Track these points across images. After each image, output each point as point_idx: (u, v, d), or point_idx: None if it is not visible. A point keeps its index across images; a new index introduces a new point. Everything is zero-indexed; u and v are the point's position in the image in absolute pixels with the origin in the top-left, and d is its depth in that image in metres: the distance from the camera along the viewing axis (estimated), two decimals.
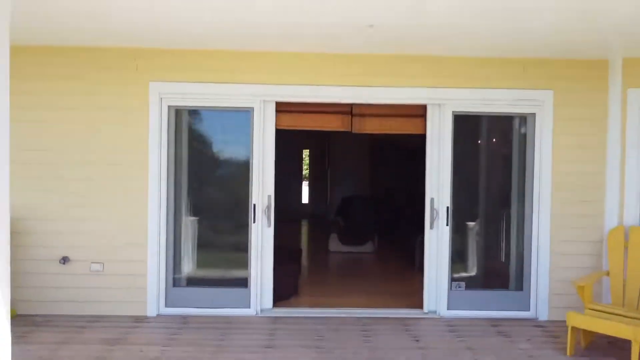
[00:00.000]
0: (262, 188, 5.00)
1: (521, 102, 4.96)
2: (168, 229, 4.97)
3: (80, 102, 4.84)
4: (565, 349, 4.20)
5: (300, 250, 7.26)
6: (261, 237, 5.01)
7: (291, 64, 4.90)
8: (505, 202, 5.21)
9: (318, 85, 4.92)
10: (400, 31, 4.17)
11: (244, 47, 4.77)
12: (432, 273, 5.09)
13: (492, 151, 5.32)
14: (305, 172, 16.25)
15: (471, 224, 5.21)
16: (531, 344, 4.37)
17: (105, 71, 4.84)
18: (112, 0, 3.54)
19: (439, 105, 5.00)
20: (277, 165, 5.08)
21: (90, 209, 4.87)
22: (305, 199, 14.78)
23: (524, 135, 5.08)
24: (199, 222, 5.17)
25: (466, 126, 5.09)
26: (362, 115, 5.21)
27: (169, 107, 4.92)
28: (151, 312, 4.91)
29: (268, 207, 5.01)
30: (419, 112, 5.14)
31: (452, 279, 5.07)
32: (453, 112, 4.98)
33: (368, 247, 8.76)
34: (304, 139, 13.26)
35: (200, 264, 5.19)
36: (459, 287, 5.09)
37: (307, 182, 14.90)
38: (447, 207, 5.01)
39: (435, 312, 5.07)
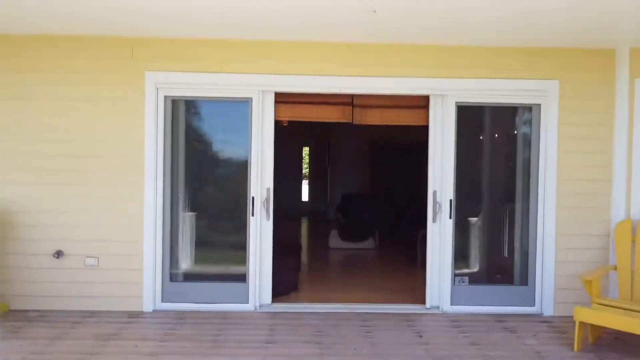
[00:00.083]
0: (261, 181, 4.88)
1: (526, 92, 4.84)
2: (164, 222, 4.86)
3: (73, 93, 4.72)
4: (572, 344, 4.09)
5: (300, 246, 7.14)
6: (260, 230, 4.90)
7: (291, 53, 4.78)
8: (510, 195, 5.09)
9: (318, 75, 4.80)
10: (404, 18, 4.05)
11: (242, 36, 4.65)
12: (434, 267, 4.97)
13: (496, 143, 5.20)
14: (305, 170, 16.14)
15: (473, 219, 5.08)
16: (537, 339, 4.25)
17: (100, 60, 4.72)
18: None
19: (442, 95, 4.88)
20: (277, 163, 4.96)
21: (84, 202, 4.76)
22: (305, 197, 14.67)
23: (529, 127, 4.96)
24: (196, 216, 5.05)
25: (469, 118, 4.97)
26: (363, 107, 5.09)
27: (166, 97, 4.81)
28: (147, 307, 4.80)
29: (267, 200, 4.90)
30: (421, 103, 5.02)
31: (455, 274, 4.96)
32: (456, 102, 4.87)
33: (369, 244, 8.65)
34: (303, 137, 13.18)
35: (197, 258, 5.07)
36: (463, 282, 4.97)
37: (307, 180, 14.78)
38: (450, 200, 4.89)
39: (438, 307, 4.96)
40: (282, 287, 5.30)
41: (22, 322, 4.44)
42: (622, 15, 3.95)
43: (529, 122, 4.97)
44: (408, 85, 4.84)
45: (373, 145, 12.20)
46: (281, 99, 4.96)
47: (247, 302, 4.88)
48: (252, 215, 4.87)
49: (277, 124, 5.01)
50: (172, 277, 4.93)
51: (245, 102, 4.86)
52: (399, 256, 8.01)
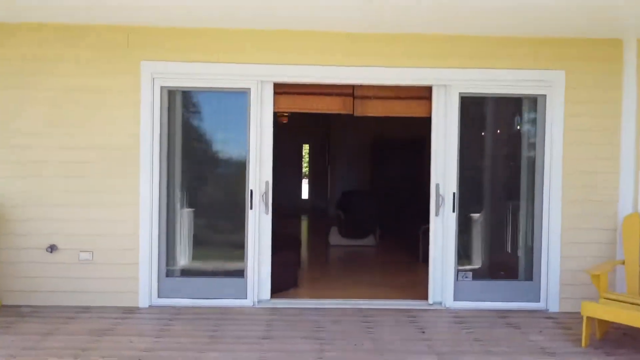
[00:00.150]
0: (260, 174, 4.77)
1: (531, 82, 4.73)
2: (160, 216, 4.74)
3: (67, 83, 4.61)
4: (579, 340, 3.97)
5: (299, 243, 7.03)
6: (258, 224, 4.78)
7: (290, 43, 4.67)
8: (514, 188, 4.97)
9: (318, 65, 4.69)
10: (404, 6, 3.94)
11: (241, 25, 4.54)
12: (437, 262, 4.85)
13: (500, 135, 5.08)
14: (305, 169, 16.03)
15: (476, 215, 4.96)
16: (543, 335, 4.13)
17: (94, 50, 4.61)
18: None
19: (445, 86, 4.77)
20: (277, 161, 4.85)
21: (78, 195, 4.64)
22: (305, 195, 14.56)
23: (534, 118, 4.84)
24: (194, 209, 4.94)
25: (473, 109, 4.86)
26: (365, 98, 4.98)
27: (162, 87, 4.69)
28: (143, 303, 4.68)
29: (266, 193, 4.78)
30: (424, 94, 4.91)
31: (459, 269, 4.84)
32: (459, 93, 4.75)
33: (369, 240, 8.54)
34: (303, 134, 13.08)
35: (194, 252, 4.96)
36: (466, 277, 4.86)
37: (307, 179, 14.68)
38: (454, 193, 4.78)
39: (440, 303, 4.84)
40: (281, 284, 5.19)
41: (14, 317, 4.33)
42: (630, 4, 3.83)
43: (533, 114, 4.85)
44: (410, 75, 4.72)
45: (373, 142, 12.08)
46: (280, 89, 4.85)
47: (245, 297, 4.77)
48: (251, 208, 4.75)
49: (277, 120, 4.90)
50: (169, 272, 4.81)
51: (244, 93, 4.75)
52: (400, 253, 7.90)
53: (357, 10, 4.04)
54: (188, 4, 4.02)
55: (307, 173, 15.50)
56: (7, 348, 3.67)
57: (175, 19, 4.40)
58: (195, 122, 4.94)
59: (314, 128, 12.65)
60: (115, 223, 4.67)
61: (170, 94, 4.75)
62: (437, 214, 4.83)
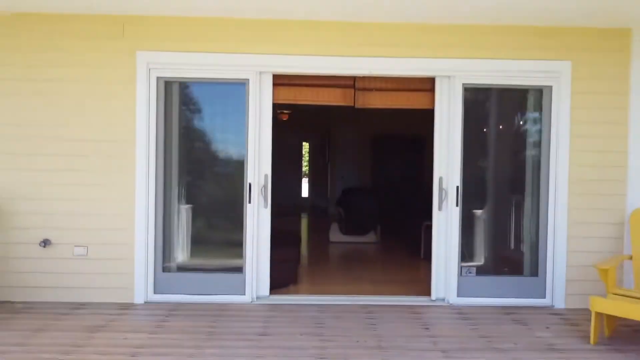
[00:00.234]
0: (258, 166, 4.65)
1: (536, 73, 4.61)
2: (157, 210, 4.62)
3: (60, 74, 4.49)
4: (587, 337, 3.86)
5: (299, 239, 6.91)
6: (257, 218, 4.67)
7: (289, 32, 4.55)
8: (519, 182, 4.84)
9: (318, 55, 4.57)
10: None
11: (239, 14, 4.43)
12: (440, 258, 4.74)
13: (505, 127, 4.96)
14: (305, 168, 15.91)
15: (479, 211, 4.84)
16: (551, 332, 4.01)
17: (88, 40, 4.49)
18: None
19: (449, 77, 4.65)
20: (277, 159, 4.72)
21: (72, 188, 4.53)
22: (305, 193, 14.44)
23: (539, 110, 4.73)
24: (191, 203, 4.82)
25: (477, 101, 4.74)
26: (366, 89, 4.86)
27: (158, 78, 4.58)
28: (138, 299, 4.56)
29: (264, 187, 4.66)
30: (426, 85, 4.79)
31: (462, 265, 4.72)
32: (463, 84, 4.63)
33: (370, 237, 8.42)
34: (303, 132, 12.95)
35: (191, 247, 4.84)
36: (470, 272, 4.74)
37: (307, 178, 14.56)
38: (457, 187, 4.66)
39: (443, 299, 4.72)
40: (280, 280, 5.07)
41: (6, 313, 4.21)
42: None
43: (539, 105, 4.73)
44: (412, 66, 4.60)
45: (374, 139, 11.96)
46: (280, 81, 4.73)
47: (243, 293, 4.65)
48: (249, 202, 4.64)
49: (277, 118, 4.78)
50: (165, 268, 4.69)
51: (242, 84, 4.63)
52: (401, 250, 7.79)
53: None
54: None
55: (307, 171, 15.37)
56: None
57: (171, 7, 4.29)
58: (192, 114, 4.82)
59: (314, 126, 12.52)
60: (110, 217, 4.55)
61: (167, 85, 4.64)
62: (440, 209, 4.71)
